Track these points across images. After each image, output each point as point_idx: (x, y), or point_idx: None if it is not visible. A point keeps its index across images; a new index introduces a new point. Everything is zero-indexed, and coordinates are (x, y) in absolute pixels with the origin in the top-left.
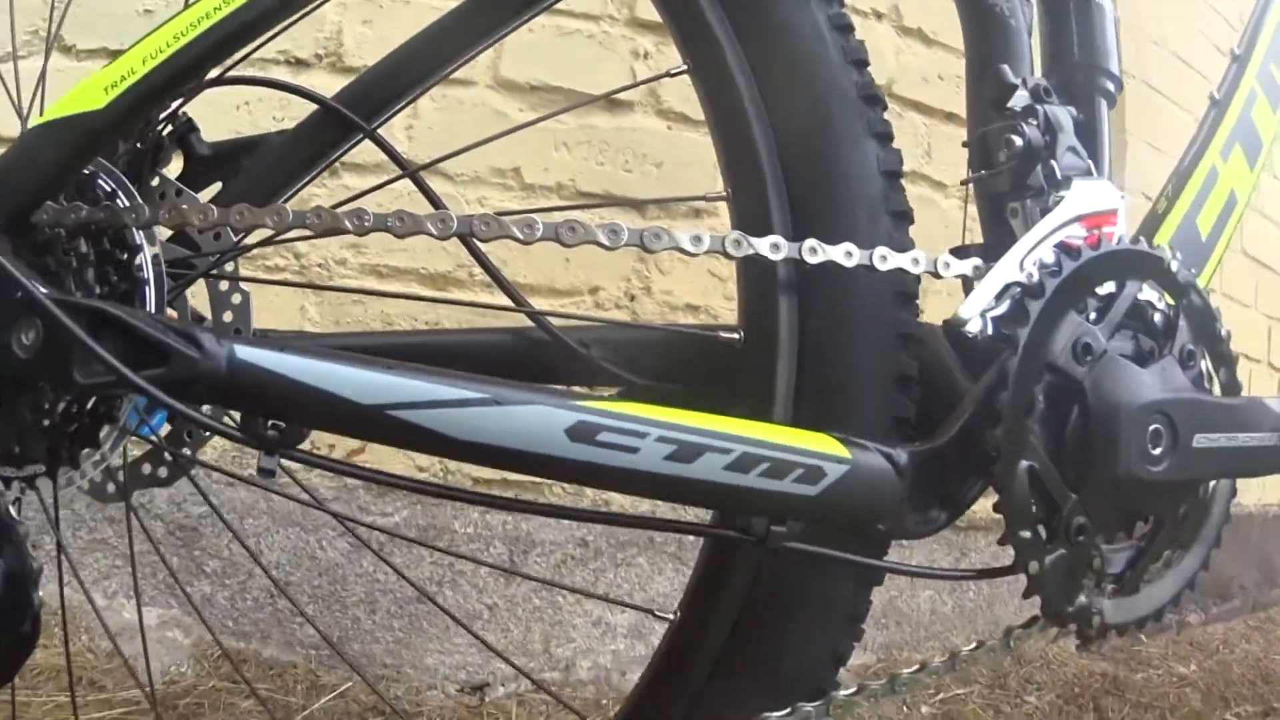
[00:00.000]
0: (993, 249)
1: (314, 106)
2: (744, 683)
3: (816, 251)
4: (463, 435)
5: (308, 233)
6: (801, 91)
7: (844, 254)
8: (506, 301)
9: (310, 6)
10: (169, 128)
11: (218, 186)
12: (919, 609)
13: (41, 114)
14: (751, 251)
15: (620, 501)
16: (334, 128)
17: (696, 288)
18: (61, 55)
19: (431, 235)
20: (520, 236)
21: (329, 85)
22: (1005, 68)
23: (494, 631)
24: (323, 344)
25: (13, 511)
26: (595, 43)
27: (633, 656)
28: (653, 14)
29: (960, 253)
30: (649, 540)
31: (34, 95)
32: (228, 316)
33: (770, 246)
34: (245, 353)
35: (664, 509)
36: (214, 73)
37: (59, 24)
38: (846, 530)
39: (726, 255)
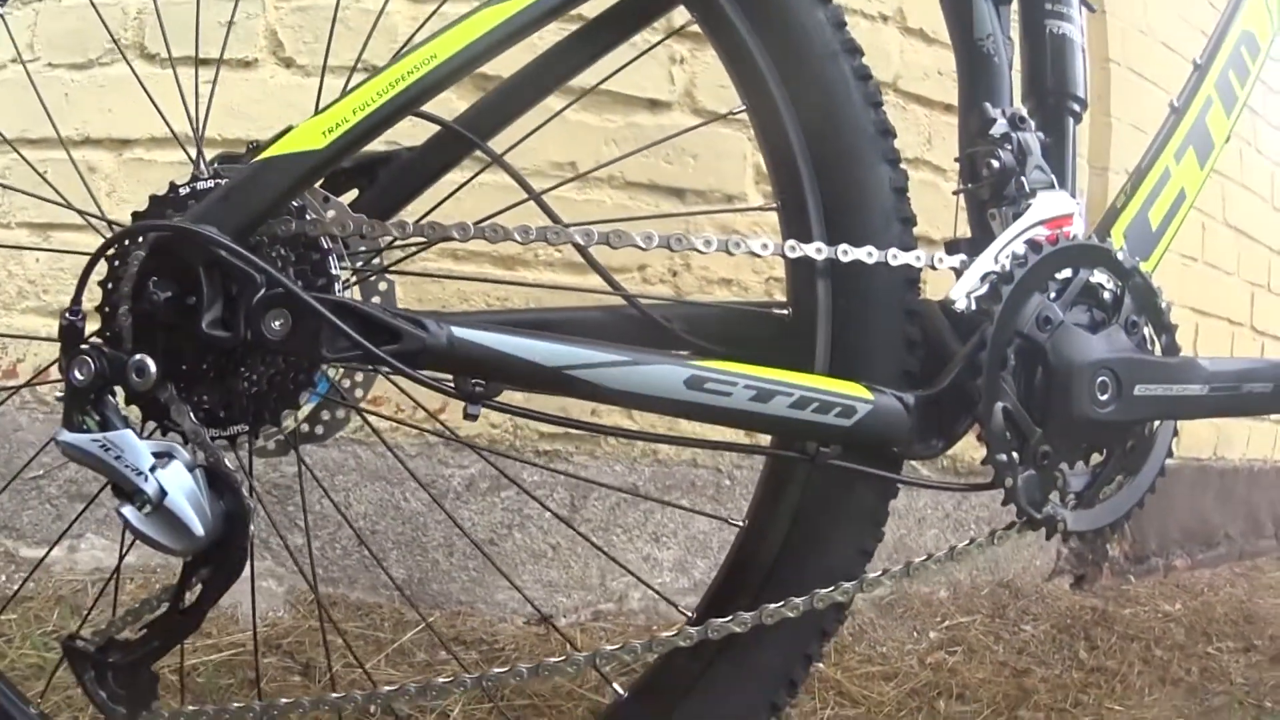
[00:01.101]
0: (978, 244)
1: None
2: (797, 573)
3: (848, 252)
4: (615, 386)
5: (454, 238)
6: (833, 128)
7: (866, 254)
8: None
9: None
10: None
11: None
12: (925, 544)
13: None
14: (802, 254)
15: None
16: (454, 146)
17: (728, 265)
18: (146, 63)
19: (549, 244)
20: (642, 245)
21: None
22: (987, 105)
23: (557, 568)
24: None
25: (227, 462)
26: (636, 49)
27: (677, 588)
28: (687, 19)
29: (951, 248)
30: (690, 484)
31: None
32: (375, 299)
33: (815, 250)
34: (461, 331)
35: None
36: None
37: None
38: (872, 453)
39: (784, 256)
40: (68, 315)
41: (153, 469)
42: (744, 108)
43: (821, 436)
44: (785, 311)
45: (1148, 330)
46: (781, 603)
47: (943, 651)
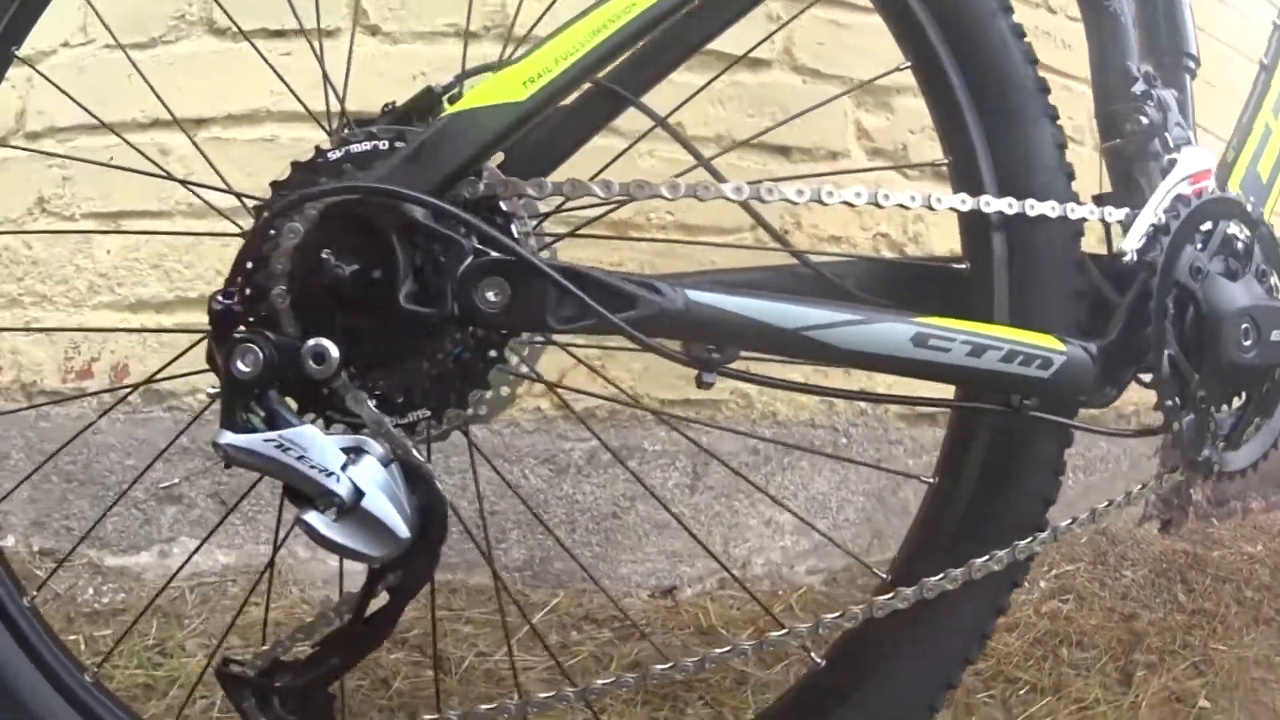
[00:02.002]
0: (1122, 198)
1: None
2: (988, 526)
3: (1033, 207)
4: (846, 346)
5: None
6: (997, 84)
7: (1050, 208)
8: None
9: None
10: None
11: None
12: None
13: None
14: (995, 209)
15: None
16: (604, 106)
17: (838, 221)
18: (215, 38)
19: (729, 200)
20: (825, 200)
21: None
22: (1130, 64)
23: (681, 537)
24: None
25: (417, 454)
26: None
27: (798, 551)
28: None
29: (1099, 200)
30: (810, 443)
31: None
32: None
33: (1007, 204)
34: (696, 295)
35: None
36: None
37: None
38: (1064, 403)
39: (967, 212)
40: (220, 299)
41: (343, 467)
42: (907, 65)
43: (1024, 389)
44: (963, 266)
45: (1274, 279)
46: (987, 556)
47: (1055, 600)
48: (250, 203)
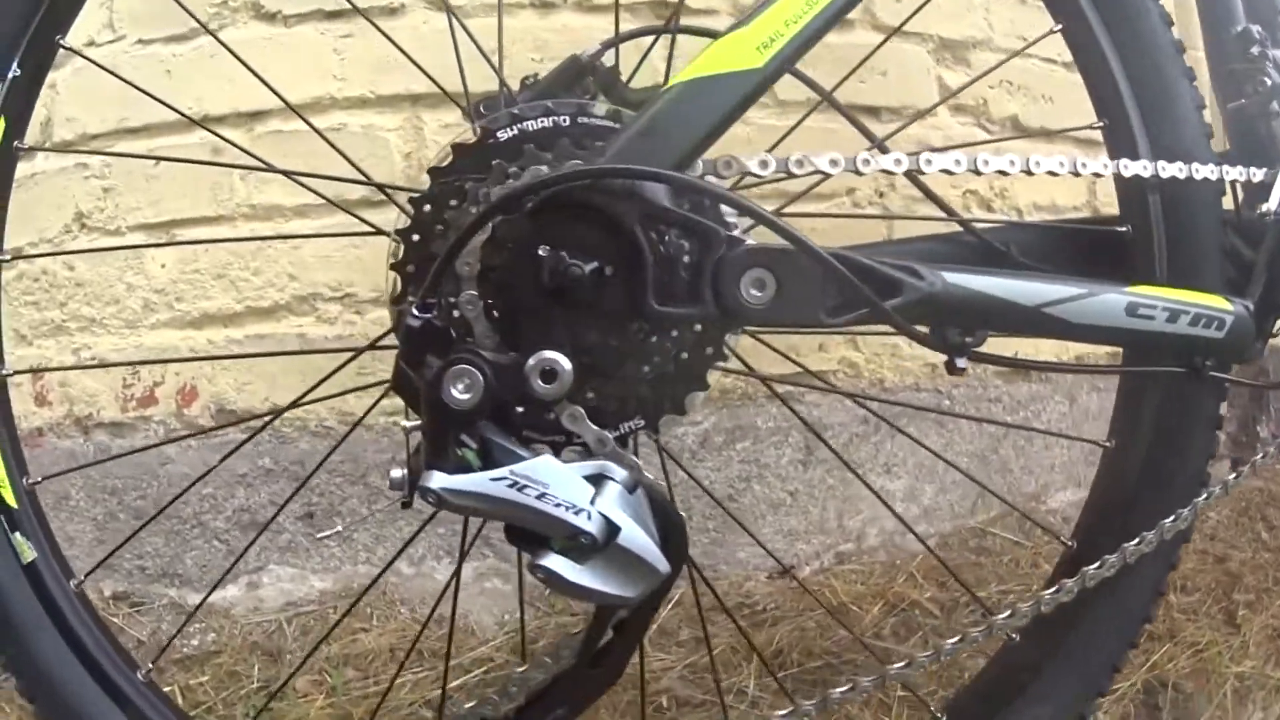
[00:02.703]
0: (1245, 156)
1: None
2: (1163, 484)
3: (1182, 170)
4: (1076, 320)
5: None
6: (1144, 47)
7: (1210, 171)
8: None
9: None
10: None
11: None
12: None
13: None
14: (1152, 172)
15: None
16: None
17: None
18: (265, 23)
19: (891, 173)
20: (981, 170)
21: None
22: (1253, 26)
23: (795, 515)
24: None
25: (648, 476)
26: None
27: (910, 517)
28: None
29: (1224, 158)
30: (912, 415)
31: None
32: None
33: (1160, 168)
34: (951, 277)
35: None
36: None
37: None
38: (1230, 361)
39: (1128, 177)
40: (416, 314)
41: (592, 500)
42: (1057, 28)
43: (1203, 350)
44: (1124, 228)
45: None
46: (1173, 516)
47: None
48: (403, 196)
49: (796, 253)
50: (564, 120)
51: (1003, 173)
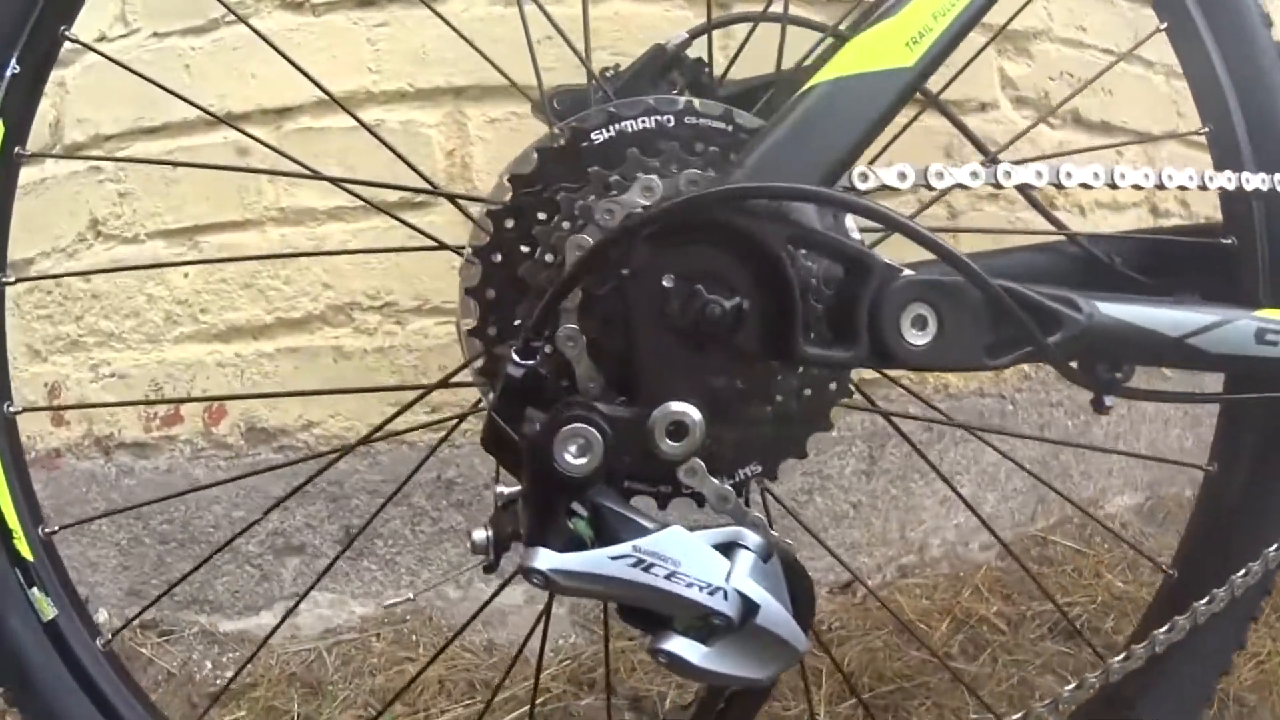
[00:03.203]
0: None
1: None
2: (1263, 508)
3: None
4: (1214, 350)
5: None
6: (1248, 53)
7: None
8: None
9: None
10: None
11: None
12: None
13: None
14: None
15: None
16: None
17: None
18: (291, 13)
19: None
20: (1118, 183)
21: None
22: None
23: (859, 527)
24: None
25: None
26: None
27: (970, 527)
28: None
29: None
30: (979, 413)
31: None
32: None
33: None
34: (1104, 307)
35: None
36: None
37: None
38: None
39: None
40: (518, 360)
41: (728, 576)
42: (1163, 27)
43: None
44: (1229, 240)
45: None
46: (1277, 545)
47: None
48: (476, 209)
49: (960, 285)
50: (668, 120)
51: (1138, 187)
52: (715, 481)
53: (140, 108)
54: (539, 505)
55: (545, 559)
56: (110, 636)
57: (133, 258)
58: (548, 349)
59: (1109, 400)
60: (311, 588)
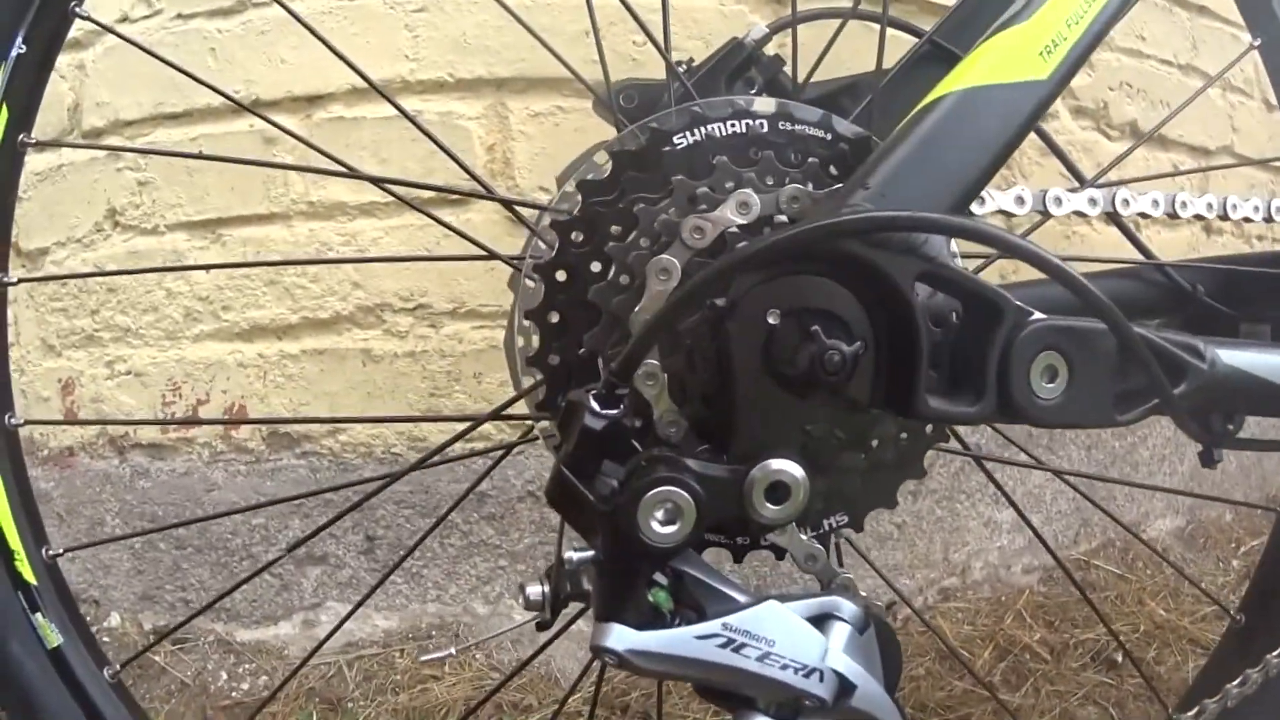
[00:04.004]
0: None
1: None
2: None
3: None
4: None
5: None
6: None
7: None
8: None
9: None
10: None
11: None
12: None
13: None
14: None
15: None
16: (940, 65)
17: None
18: None
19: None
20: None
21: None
22: None
23: (902, 548)
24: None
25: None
26: None
27: (1013, 550)
28: None
29: None
30: (1027, 435)
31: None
32: None
33: None
34: (1224, 354)
35: None
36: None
37: None
38: None
39: None
40: (597, 409)
41: (823, 655)
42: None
43: None
44: None
45: None
46: None
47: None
48: (536, 218)
49: (1096, 332)
50: (760, 125)
51: (1248, 219)
52: (803, 538)
53: (162, 92)
54: (618, 578)
55: (621, 638)
56: (119, 668)
57: (152, 250)
58: (621, 386)
59: (1218, 454)
60: (354, 609)
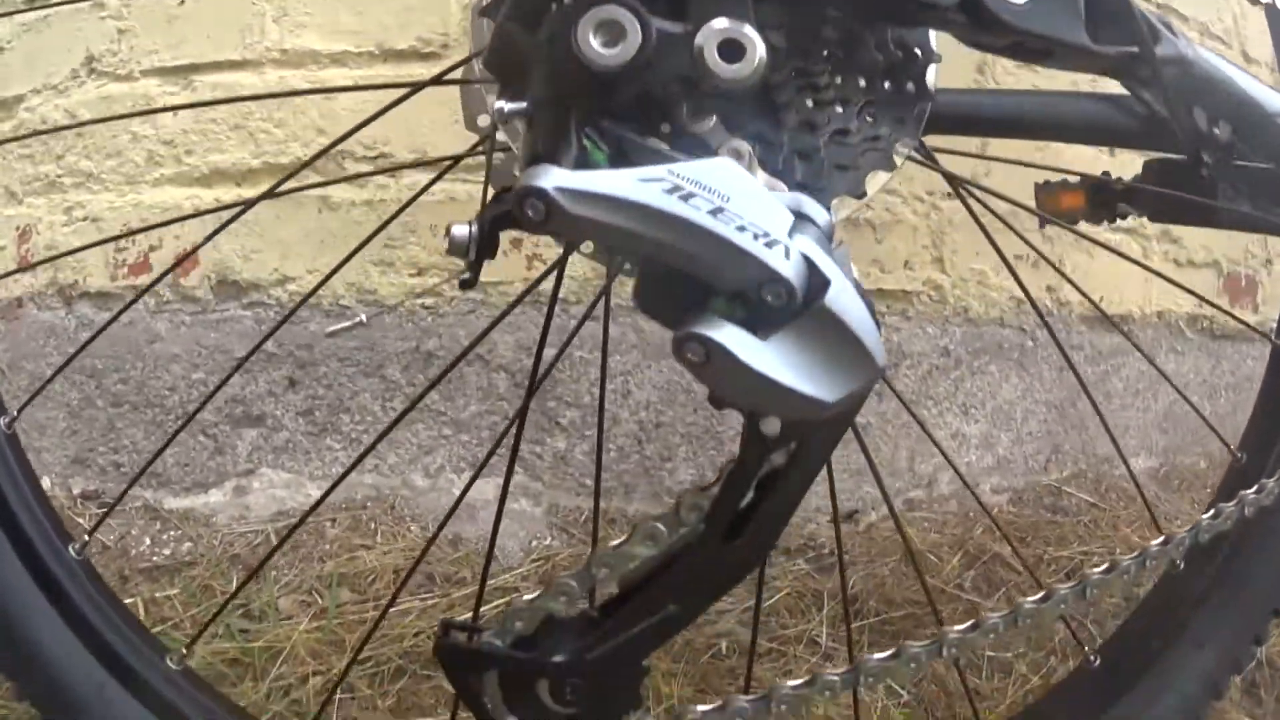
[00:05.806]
0: None
1: None
2: None
3: None
4: None
5: None
6: None
7: None
8: None
9: None
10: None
11: None
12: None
13: None
14: None
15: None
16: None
17: None
18: None
19: None
20: None
21: None
22: None
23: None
24: None
25: None
26: None
27: (982, 467)
28: None
29: None
30: (998, 346)
31: None
32: None
33: None
34: (1207, 55)
35: None
36: None
37: None
38: None
39: None
40: None
41: (790, 232)
42: None
43: None
44: None
45: None
46: None
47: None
48: None
49: None
50: None
51: None
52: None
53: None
54: (551, 111)
55: (552, 176)
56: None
57: (124, 95)
58: None
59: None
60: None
